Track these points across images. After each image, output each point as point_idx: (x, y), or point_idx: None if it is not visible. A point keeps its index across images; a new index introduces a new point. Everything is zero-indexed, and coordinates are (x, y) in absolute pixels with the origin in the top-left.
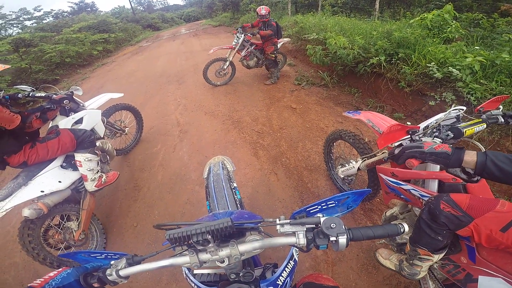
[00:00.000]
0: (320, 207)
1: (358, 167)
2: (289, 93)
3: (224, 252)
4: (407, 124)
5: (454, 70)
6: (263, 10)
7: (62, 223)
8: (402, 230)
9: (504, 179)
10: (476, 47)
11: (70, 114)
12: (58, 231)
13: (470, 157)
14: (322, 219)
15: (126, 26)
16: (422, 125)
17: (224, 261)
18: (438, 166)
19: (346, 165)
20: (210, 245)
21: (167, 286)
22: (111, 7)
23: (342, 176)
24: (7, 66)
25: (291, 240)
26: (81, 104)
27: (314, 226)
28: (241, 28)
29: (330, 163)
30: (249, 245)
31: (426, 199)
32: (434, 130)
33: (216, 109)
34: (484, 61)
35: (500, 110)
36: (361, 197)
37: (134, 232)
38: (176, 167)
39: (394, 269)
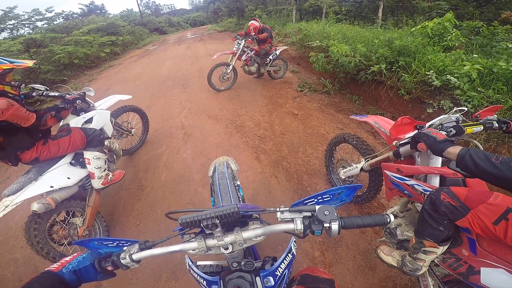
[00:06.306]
0: (316, 200)
1: (362, 167)
2: (292, 100)
3: (229, 238)
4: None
5: (452, 78)
6: (255, 23)
7: (67, 218)
8: (388, 220)
9: (477, 174)
10: (474, 55)
11: (80, 114)
12: (63, 226)
13: (454, 149)
14: (317, 207)
15: (133, 29)
16: (428, 124)
17: (228, 247)
18: (440, 162)
19: (348, 166)
20: (217, 229)
21: (167, 283)
22: (120, 9)
23: (343, 178)
24: (34, 61)
25: (290, 226)
26: (92, 105)
27: (310, 214)
28: (239, 35)
29: (331, 166)
30: (252, 232)
31: (428, 193)
32: (438, 128)
33: (219, 113)
34: (482, 69)
35: (495, 116)
36: (353, 191)
37: (136, 230)
38: (180, 169)
39: (396, 265)
